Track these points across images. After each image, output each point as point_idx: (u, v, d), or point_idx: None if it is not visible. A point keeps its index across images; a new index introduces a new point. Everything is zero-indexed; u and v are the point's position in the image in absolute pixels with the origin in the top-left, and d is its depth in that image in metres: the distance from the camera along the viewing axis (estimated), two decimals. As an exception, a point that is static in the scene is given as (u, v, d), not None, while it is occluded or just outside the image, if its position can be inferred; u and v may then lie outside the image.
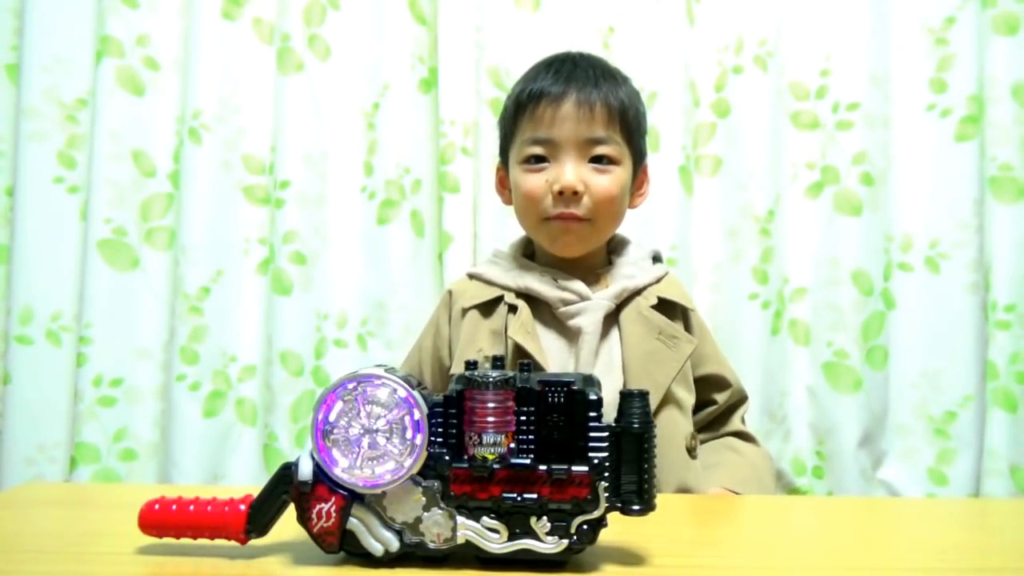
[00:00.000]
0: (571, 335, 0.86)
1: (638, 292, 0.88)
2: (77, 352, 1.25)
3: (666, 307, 0.89)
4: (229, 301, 1.29)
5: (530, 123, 0.88)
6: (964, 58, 1.27)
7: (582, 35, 1.31)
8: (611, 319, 0.87)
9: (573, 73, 0.88)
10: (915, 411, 1.28)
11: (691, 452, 0.86)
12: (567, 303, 0.86)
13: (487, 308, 0.89)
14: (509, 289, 0.89)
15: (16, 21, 1.28)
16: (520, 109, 0.89)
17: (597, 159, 0.87)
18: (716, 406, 0.93)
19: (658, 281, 0.91)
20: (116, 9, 1.27)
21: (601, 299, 0.86)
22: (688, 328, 0.91)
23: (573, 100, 0.86)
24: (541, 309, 0.88)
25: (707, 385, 0.92)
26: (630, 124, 0.89)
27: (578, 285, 0.87)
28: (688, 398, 0.88)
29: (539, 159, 0.88)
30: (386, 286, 1.33)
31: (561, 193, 0.85)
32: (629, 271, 0.91)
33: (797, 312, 1.29)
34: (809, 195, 1.31)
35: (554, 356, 0.85)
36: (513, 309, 0.87)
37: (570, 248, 0.89)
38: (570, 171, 0.85)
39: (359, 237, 1.34)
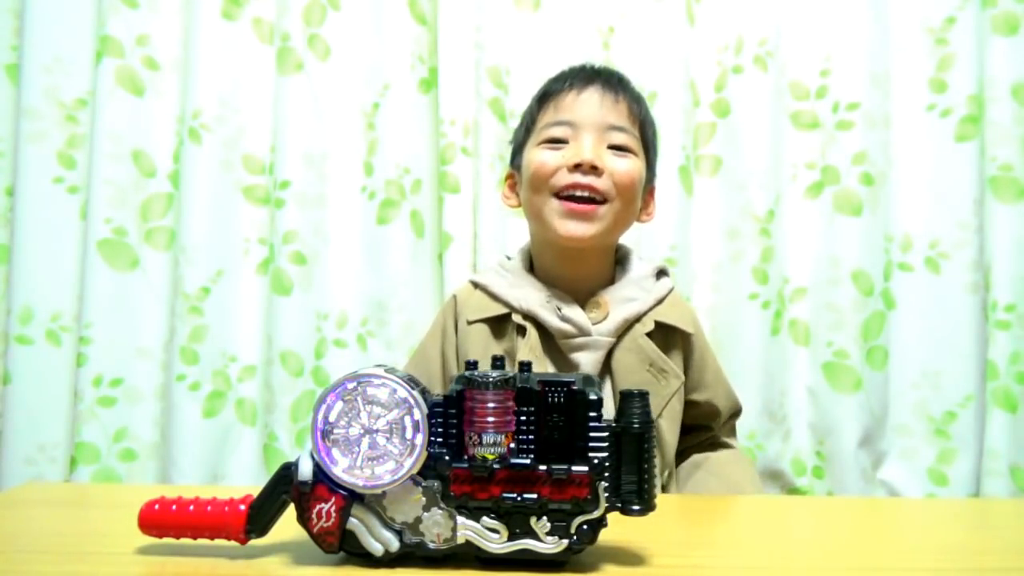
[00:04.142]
0: (570, 364, 0.84)
1: (637, 319, 0.86)
2: (77, 352, 1.25)
3: (665, 330, 0.86)
4: (229, 301, 1.29)
5: (553, 108, 0.87)
6: (964, 58, 1.27)
7: (582, 35, 1.31)
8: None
9: (598, 72, 0.90)
10: (915, 411, 1.28)
11: (665, 488, 0.86)
12: (568, 336, 0.84)
13: (497, 327, 0.86)
14: (514, 309, 0.86)
15: (16, 21, 1.28)
16: (544, 101, 0.89)
17: (614, 147, 0.85)
18: (710, 433, 0.93)
19: (660, 301, 0.88)
20: (116, 9, 1.27)
21: (601, 336, 0.83)
22: (688, 352, 0.89)
23: (599, 87, 0.87)
24: (546, 333, 0.85)
25: (696, 411, 0.90)
26: (648, 133, 0.90)
27: (579, 316, 0.84)
28: (671, 432, 0.86)
29: (558, 141, 0.86)
30: (386, 286, 1.33)
31: (578, 167, 0.83)
32: (630, 292, 0.87)
33: (797, 312, 1.29)
34: (809, 195, 1.31)
35: None
36: (522, 331, 0.85)
37: (579, 236, 0.84)
38: (589, 147, 0.83)
39: (359, 237, 1.34)
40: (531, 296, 0.86)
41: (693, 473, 0.89)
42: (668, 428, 0.85)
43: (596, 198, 0.84)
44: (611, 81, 0.88)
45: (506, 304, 0.87)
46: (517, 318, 0.85)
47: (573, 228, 0.84)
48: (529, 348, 0.83)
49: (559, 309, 0.84)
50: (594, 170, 0.83)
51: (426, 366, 0.92)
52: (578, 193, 0.83)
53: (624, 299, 0.87)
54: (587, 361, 0.83)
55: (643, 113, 0.89)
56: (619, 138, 0.85)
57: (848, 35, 1.30)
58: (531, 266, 0.92)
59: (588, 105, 0.86)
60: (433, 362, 0.91)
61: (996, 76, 1.24)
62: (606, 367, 0.85)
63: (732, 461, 0.92)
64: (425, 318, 1.29)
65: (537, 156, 0.86)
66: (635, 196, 0.87)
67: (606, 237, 0.87)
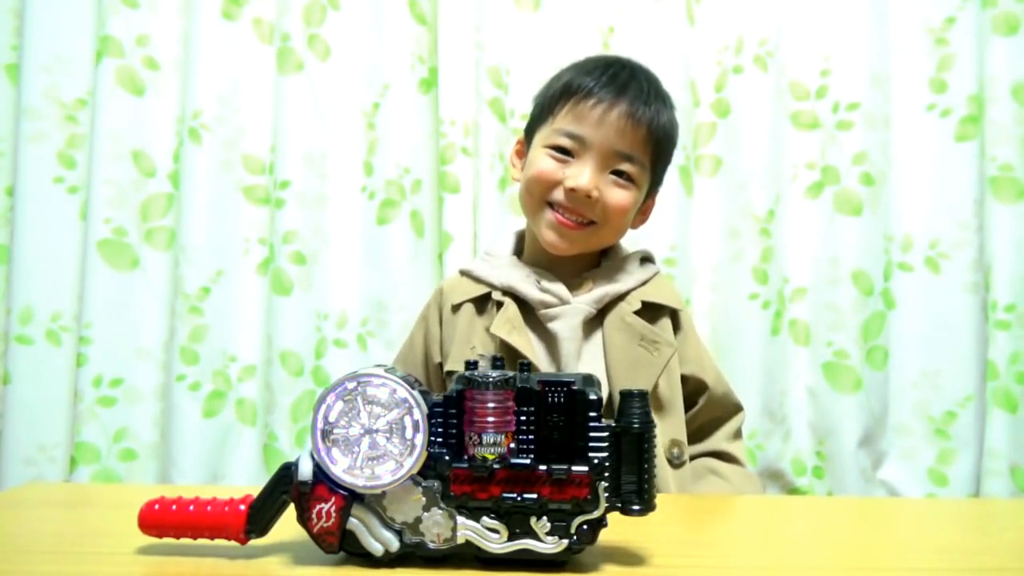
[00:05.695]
0: (552, 338, 0.86)
1: (621, 297, 0.88)
2: (77, 352, 1.25)
3: (652, 309, 0.88)
4: (229, 301, 1.29)
5: (572, 114, 0.86)
6: (964, 58, 1.27)
7: (582, 35, 1.31)
8: (595, 324, 0.87)
9: (630, 83, 0.87)
10: (915, 411, 1.28)
11: (672, 461, 0.84)
12: (547, 305, 0.86)
13: (480, 306, 0.90)
14: (495, 287, 0.89)
15: (16, 21, 1.28)
16: (568, 95, 0.87)
17: (618, 172, 0.86)
18: (696, 408, 0.91)
19: (644, 283, 0.90)
20: (116, 9, 1.27)
21: (580, 304, 0.86)
22: (676, 327, 0.91)
23: (623, 111, 0.85)
24: (527, 309, 0.88)
25: (684, 387, 0.90)
26: (663, 150, 0.90)
27: (559, 288, 0.87)
28: (673, 400, 0.87)
29: (566, 151, 0.87)
30: (386, 286, 1.33)
31: (573, 191, 0.85)
32: (614, 274, 0.90)
33: (797, 312, 1.29)
34: (809, 195, 1.31)
35: (537, 357, 0.85)
36: (500, 306, 0.87)
37: (559, 248, 0.88)
38: (588, 175, 0.84)
39: (359, 237, 1.34)
40: (513, 274, 0.90)
41: (703, 476, 0.89)
42: (672, 394, 0.87)
43: (583, 220, 0.87)
44: (638, 100, 0.86)
45: (488, 284, 0.90)
46: (496, 295, 0.88)
47: (556, 241, 0.88)
48: (506, 319, 0.85)
49: (539, 282, 0.88)
50: (588, 198, 0.85)
51: (412, 354, 0.96)
52: (566, 215, 0.87)
53: (608, 279, 0.90)
54: (564, 328, 0.85)
55: (664, 131, 0.88)
56: (624, 167, 0.86)
57: (848, 35, 1.30)
58: (520, 250, 0.96)
59: (606, 128, 0.85)
60: (416, 349, 0.96)
61: (996, 76, 1.24)
62: (591, 335, 0.86)
63: (741, 473, 0.92)
64: (425, 318, 1.29)
65: (540, 161, 0.88)
66: (623, 223, 0.90)
67: (589, 250, 0.92)
